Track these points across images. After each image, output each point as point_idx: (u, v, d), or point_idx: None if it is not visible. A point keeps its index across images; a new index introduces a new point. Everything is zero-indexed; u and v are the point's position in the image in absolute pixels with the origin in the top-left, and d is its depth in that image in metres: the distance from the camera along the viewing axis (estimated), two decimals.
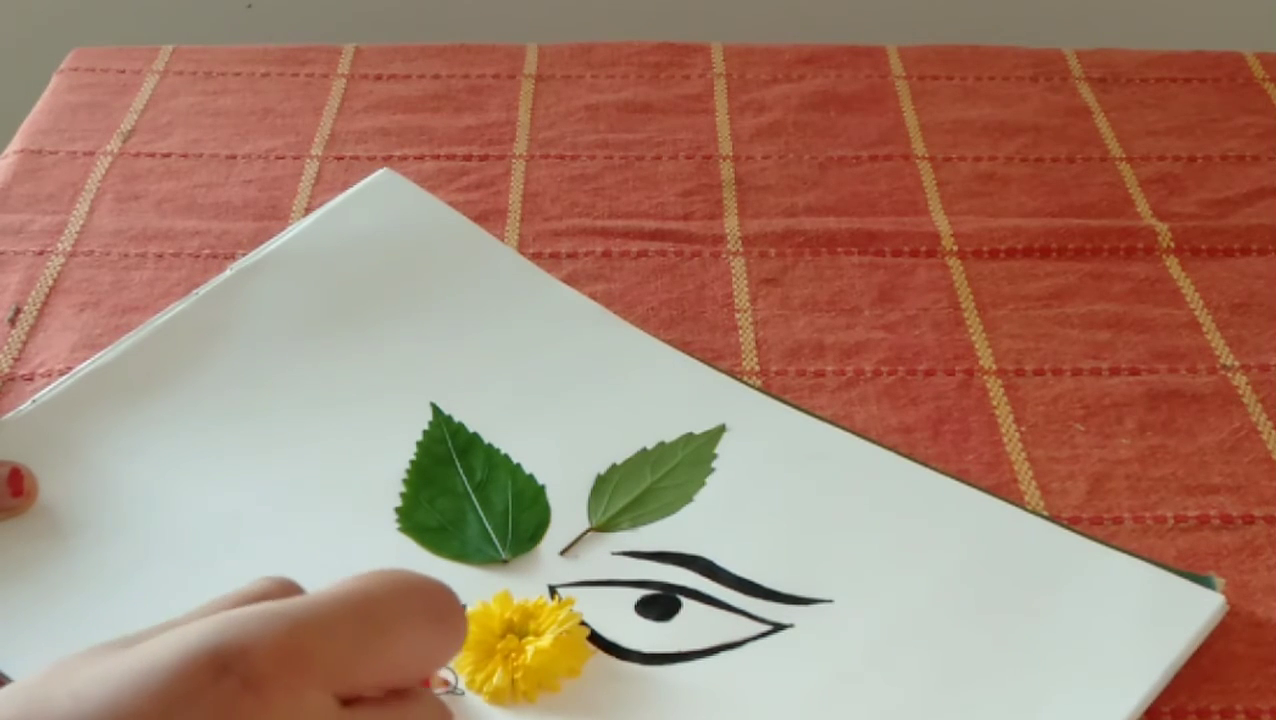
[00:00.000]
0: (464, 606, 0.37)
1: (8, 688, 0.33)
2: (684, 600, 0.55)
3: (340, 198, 0.71)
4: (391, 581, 0.36)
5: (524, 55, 0.90)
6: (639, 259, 0.73)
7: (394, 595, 0.35)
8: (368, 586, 0.35)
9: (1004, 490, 0.60)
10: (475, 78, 0.88)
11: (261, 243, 0.70)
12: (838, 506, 0.59)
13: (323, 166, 0.80)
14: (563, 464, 0.60)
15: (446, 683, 0.51)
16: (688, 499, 0.59)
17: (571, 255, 0.73)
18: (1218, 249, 0.74)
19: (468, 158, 0.81)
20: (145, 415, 0.61)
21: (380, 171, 0.73)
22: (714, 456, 0.61)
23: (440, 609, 0.36)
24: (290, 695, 0.32)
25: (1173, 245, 0.75)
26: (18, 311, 0.69)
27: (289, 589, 0.37)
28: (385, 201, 0.71)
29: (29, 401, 0.61)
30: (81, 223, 0.75)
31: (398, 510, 0.58)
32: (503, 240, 0.73)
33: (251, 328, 0.65)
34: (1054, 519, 0.59)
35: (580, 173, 0.80)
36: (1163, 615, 0.54)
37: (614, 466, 0.60)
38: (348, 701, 0.34)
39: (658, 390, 0.64)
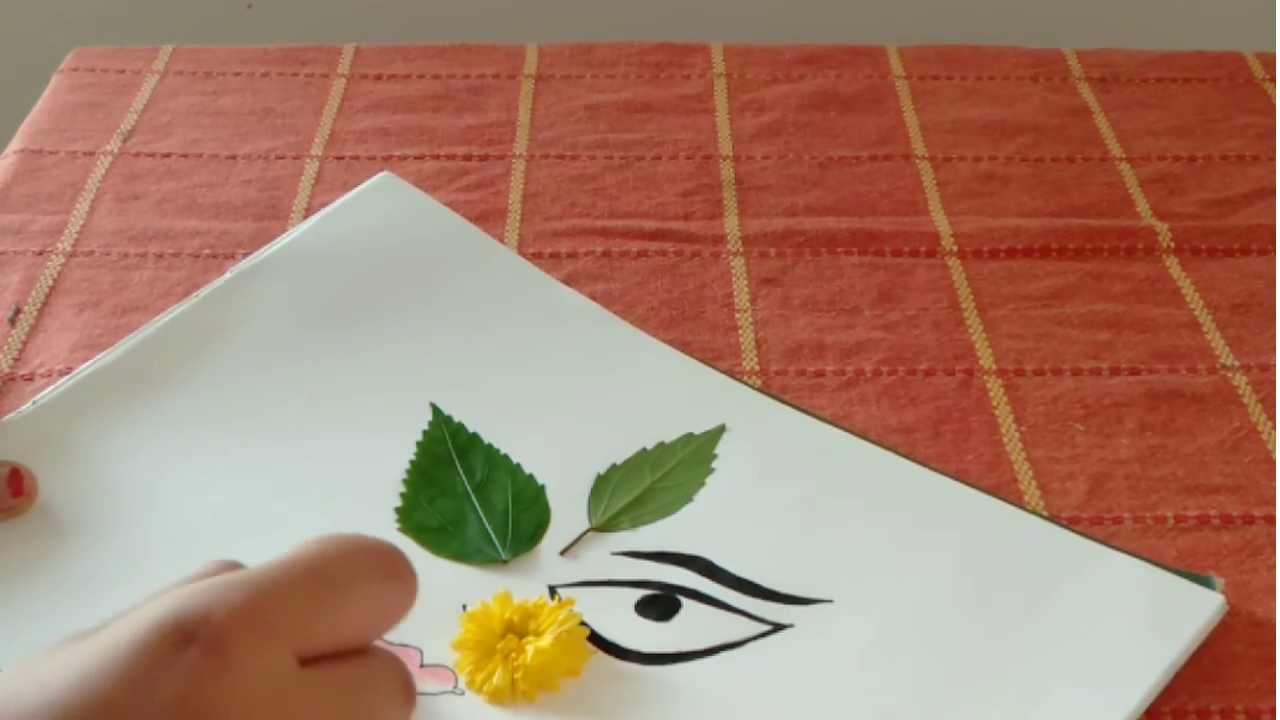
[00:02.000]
0: (412, 565, 0.37)
1: None
2: (684, 600, 0.55)
3: (340, 201, 0.71)
4: (342, 543, 0.36)
5: (524, 55, 0.90)
6: (639, 259, 0.73)
7: (345, 555, 0.36)
8: (320, 549, 0.36)
9: (1004, 490, 0.60)
10: (475, 78, 0.88)
11: (261, 243, 0.71)
12: (837, 506, 0.59)
13: (323, 166, 0.80)
14: (563, 464, 0.60)
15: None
16: (687, 499, 0.59)
17: (571, 255, 0.73)
18: (1218, 249, 0.74)
19: (468, 158, 0.81)
20: (145, 416, 0.61)
21: (380, 175, 0.73)
22: (714, 456, 0.61)
23: (391, 566, 0.37)
24: (253, 656, 0.33)
25: (1173, 245, 0.75)
26: (18, 311, 0.69)
27: (234, 569, 0.37)
28: (385, 204, 0.71)
29: (29, 402, 0.61)
30: (81, 223, 0.75)
31: (398, 510, 0.58)
32: (503, 240, 0.74)
33: (251, 329, 0.65)
34: (1054, 519, 0.59)
35: (580, 173, 0.80)
36: (1163, 615, 0.54)
37: (614, 466, 0.60)
38: (306, 662, 0.34)
39: (658, 390, 0.64)
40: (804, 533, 0.58)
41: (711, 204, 0.78)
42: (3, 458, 0.57)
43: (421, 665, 0.52)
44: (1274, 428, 0.64)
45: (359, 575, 0.36)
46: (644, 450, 0.61)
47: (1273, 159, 0.81)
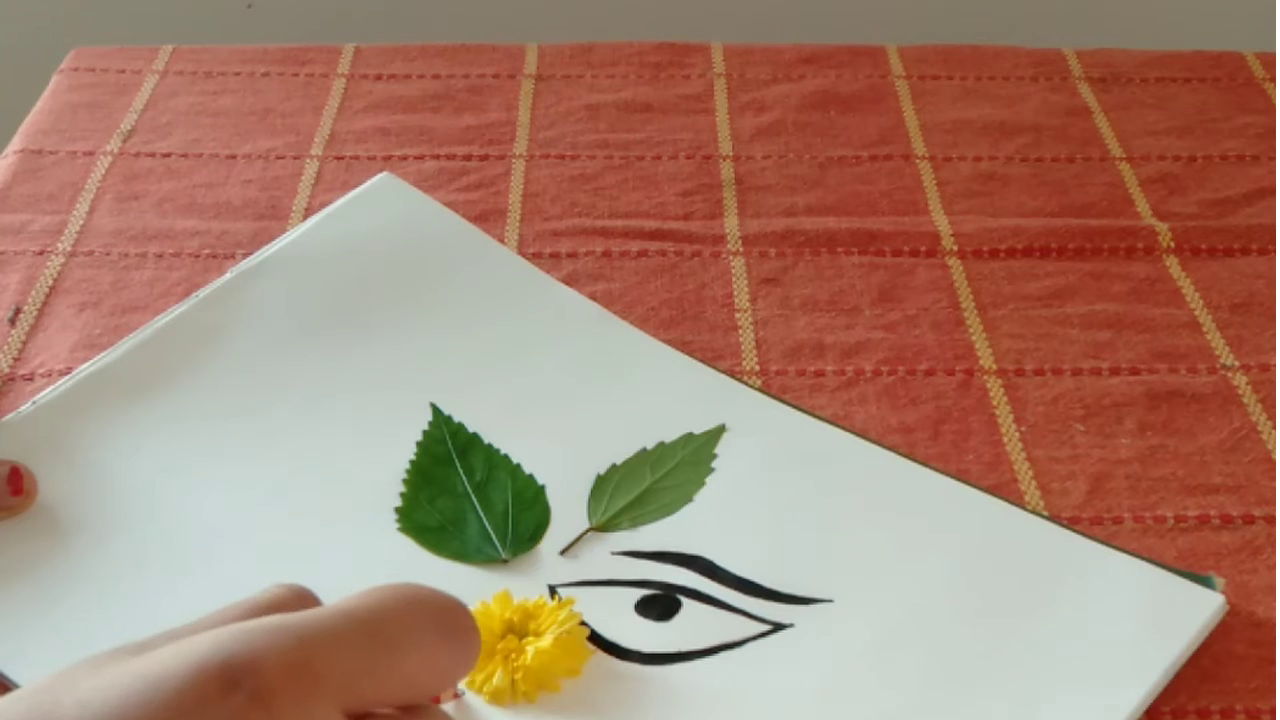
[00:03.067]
0: (475, 623, 0.36)
1: (12, 694, 0.33)
2: (684, 600, 0.55)
3: (340, 201, 0.71)
4: (403, 596, 0.35)
5: (524, 55, 0.90)
6: (639, 259, 0.73)
7: (405, 611, 0.35)
8: (380, 601, 0.35)
9: (1004, 490, 0.60)
10: (475, 78, 0.88)
11: (261, 243, 0.71)
12: (838, 506, 0.59)
13: (323, 166, 0.80)
14: (563, 464, 0.60)
15: (458, 695, 0.51)
16: (688, 499, 0.59)
17: (571, 255, 0.73)
18: (1218, 249, 0.74)
19: (468, 158, 0.81)
20: (145, 415, 0.61)
21: (380, 175, 0.73)
22: (714, 456, 0.61)
23: (452, 626, 0.36)
24: (298, 711, 0.32)
25: (1173, 245, 0.75)
26: (18, 311, 0.69)
27: (304, 598, 0.36)
28: (385, 205, 0.71)
29: (29, 402, 0.61)
30: (81, 223, 0.75)
31: (397, 510, 0.58)
32: (503, 240, 0.74)
33: (251, 329, 0.65)
34: (1054, 519, 0.59)
35: (580, 173, 0.80)
36: (1163, 615, 0.54)
37: (614, 466, 0.60)
38: (356, 717, 0.34)
39: (658, 390, 0.64)
40: (804, 533, 0.58)
41: (711, 204, 0.78)
42: (3, 458, 0.57)
43: None
44: (1274, 428, 0.64)
45: (418, 633, 0.35)
46: (644, 450, 0.61)
47: (1273, 159, 0.81)
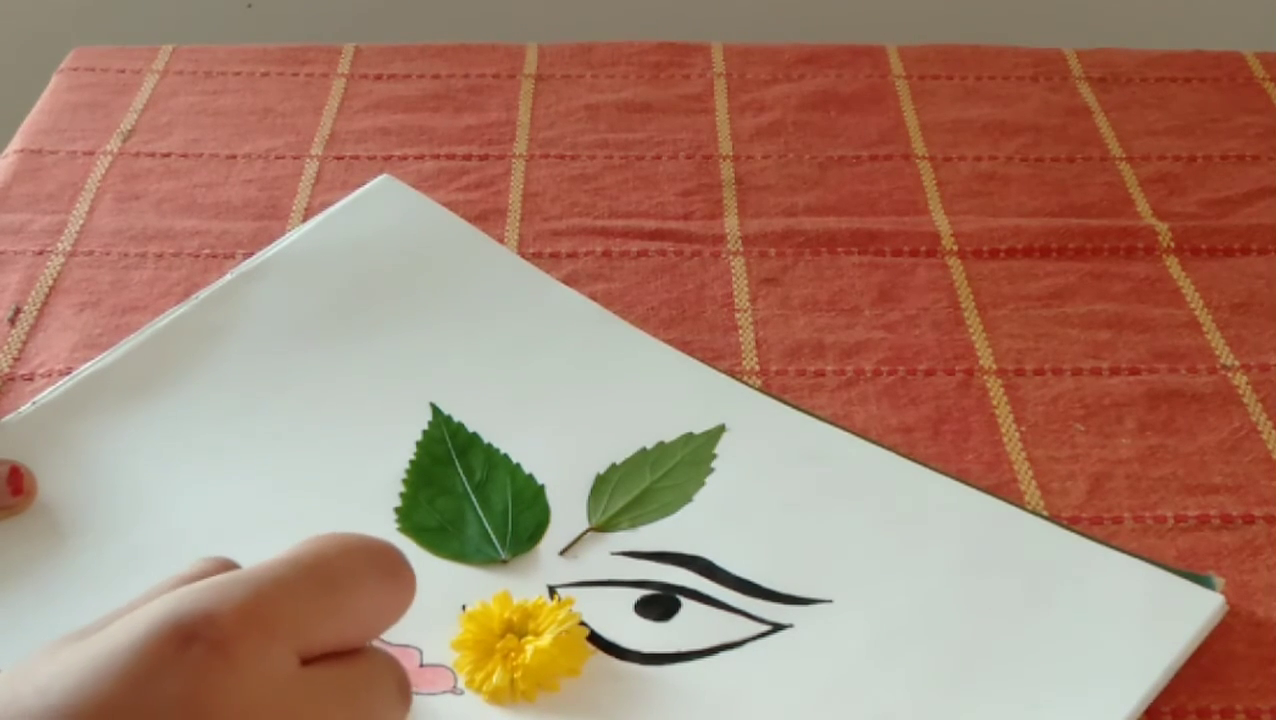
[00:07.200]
0: (409, 563, 0.38)
1: None
2: (684, 600, 0.55)
3: (339, 204, 0.71)
4: (341, 542, 0.37)
5: (524, 55, 0.90)
6: (639, 259, 0.73)
7: (344, 554, 0.36)
8: (319, 548, 0.36)
9: (1004, 490, 0.60)
10: (475, 78, 0.88)
11: (262, 243, 0.71)
12: (838, 506, 0.59)
13: (323, 166, 0.80)
14: (562, 464, 0.60)
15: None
16: (687, 499, 0.59)
17: (571, 255, 0.73)
18: (1218, 249, 0.74)
19: (468, 158, 0.81)
20: (145, 416, 0.61)
21: (380, 177, 0.73)
22: (714, 456, 0.61)
23: (389, 565, 0.37)
24: (256, 656, 0.33)
25: (1173, 245, 0.75)
26: (18, 311, 0.69)
27: (228, 567, 0.37)
28: (384, 206, 0.71)
29: (29, 402, 0.62)
30: (81, 223, 0.75)
31: (397, 510, 0.58)
32: (503, 240, 0.74)
33: (251, 330, 0.65)
34: (1054, 519, 0.59)
35: (580, 173, 0.80)
36: (1162, 615, 0.54)
37: (614, 466, 0.60)
38: (305, 661, 0.35)
39: (658, 390, 0.64)
40: (804, 533, 0.58)
41: (711, 204, 0.78)
42: (3, 458, 0.57)
43: (421, 665, 0.52)
44: (1274, 428, 0.64)
45: (358, 574, 0.36)
46: (644, 450, 0.61)
47: (1273, 159, 0.81)
